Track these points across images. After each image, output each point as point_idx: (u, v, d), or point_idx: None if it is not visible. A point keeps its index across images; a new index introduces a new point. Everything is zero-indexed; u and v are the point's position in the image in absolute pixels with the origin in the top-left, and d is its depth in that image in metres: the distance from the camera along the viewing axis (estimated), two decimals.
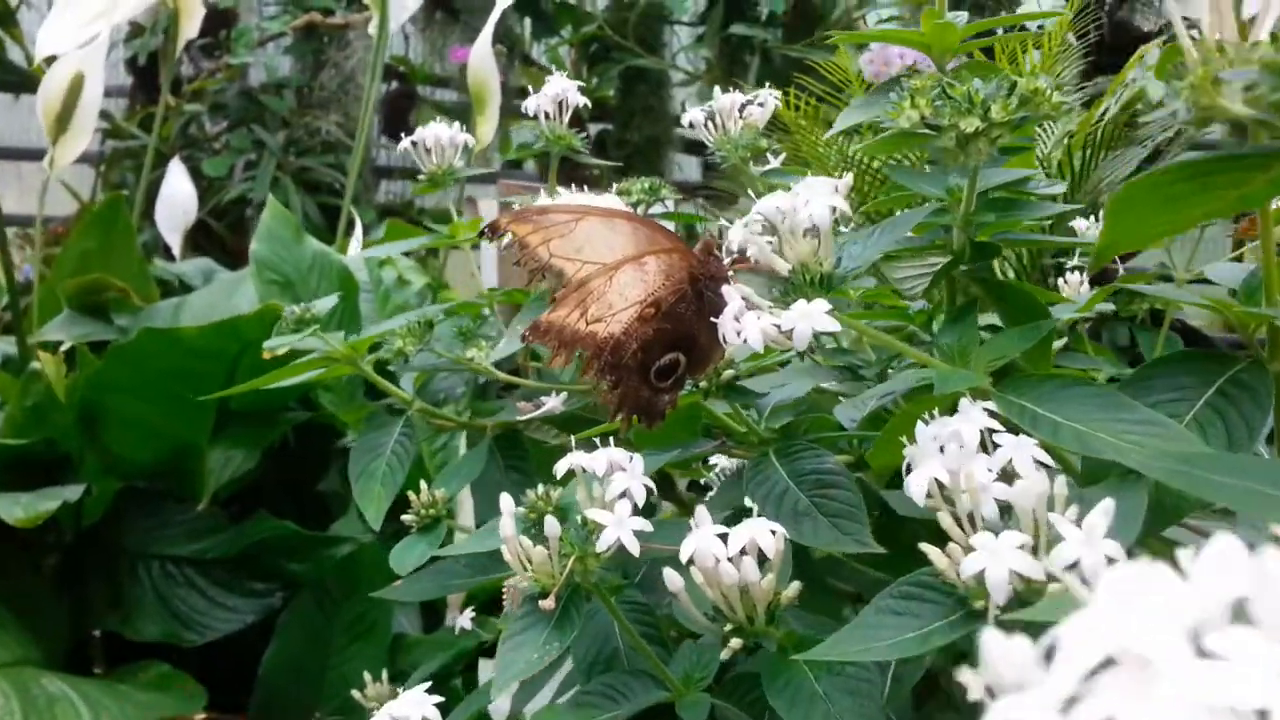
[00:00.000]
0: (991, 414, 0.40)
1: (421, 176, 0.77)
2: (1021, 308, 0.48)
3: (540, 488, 0.51)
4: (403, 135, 0.75)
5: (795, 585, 0.36)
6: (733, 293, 0.40)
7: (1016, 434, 0.38)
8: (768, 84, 0.69)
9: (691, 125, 0.73)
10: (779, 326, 0.38)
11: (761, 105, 0.73)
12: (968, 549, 0.32)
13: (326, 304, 0.66)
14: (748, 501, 0.52)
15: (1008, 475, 0.36)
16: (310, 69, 2.78)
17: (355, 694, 0.66)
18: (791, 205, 0.39)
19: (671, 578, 0.37)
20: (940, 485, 0.39)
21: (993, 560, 0.30)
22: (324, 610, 1.14)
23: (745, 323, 0.39)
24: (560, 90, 0.64)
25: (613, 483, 0.42)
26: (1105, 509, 0.31)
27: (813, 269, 0.40)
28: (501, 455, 0.69)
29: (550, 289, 0.43)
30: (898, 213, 0.44)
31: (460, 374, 0.71)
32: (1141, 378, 0.44)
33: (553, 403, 0.61)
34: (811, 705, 0.35)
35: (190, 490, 1.16)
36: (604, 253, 0.42)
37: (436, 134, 0.75)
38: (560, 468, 0.44)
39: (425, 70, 2.99)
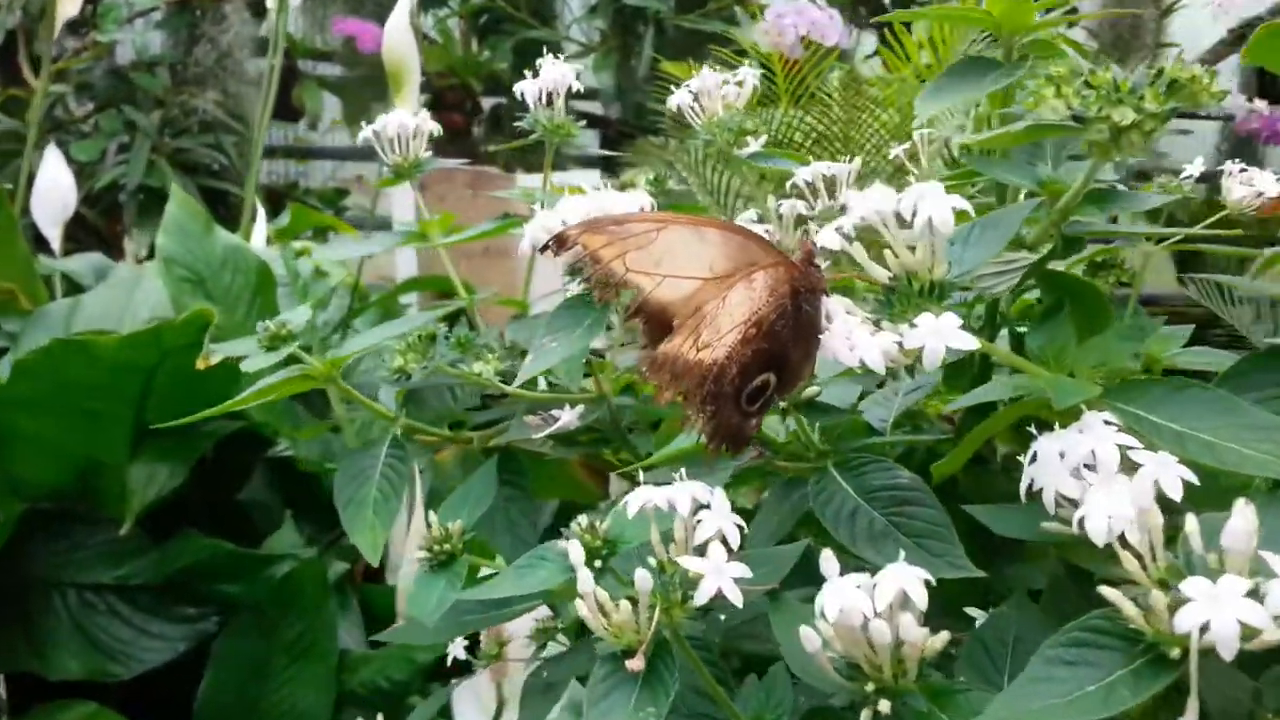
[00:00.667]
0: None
1: (386, 169, 0.71)
2: (1093, 306, 0.46)
3: (583, 519, 0.47)
4: (285, 112, 0.69)
5: (944, 636, 0.32)
6: (839, 308, 0.36)
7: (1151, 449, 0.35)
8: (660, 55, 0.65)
9: (678, 108, 0.69)
10: (900, 344, 0.35)
11: (740, 84, 0.69)
12: (1159, 592, 0.29)
13: (300, 317, 0.60)
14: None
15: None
16: (184, 45, 2.61)
17: None
18: (904, 207, 0.35)
19: (809, 637, 0.33)
20: (1065, 505, 0.36)
21: (1216, 611, 0.27)
22: (262, 632, 1.06)
23: (860, 342, 0.35)
24: (557, 77, 0.58)
25: (702, 524, 0.37)
26: None
27: (921, 276, 0.36)
28: (496, 471, 0.64)
29: (626, 306, 0.38)
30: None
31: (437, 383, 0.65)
32: (1239, 373, 0.42)
33: (568, 417, 0.56)
34: None
35: (106, 511, 1.06)
36: (689, 265, 0.37)
37: (400, 123, 0.69)
38: (631, 505, 0.40)
39: (306, 44, 2.84)
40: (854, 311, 0.36)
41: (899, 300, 0.36)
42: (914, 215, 0.35)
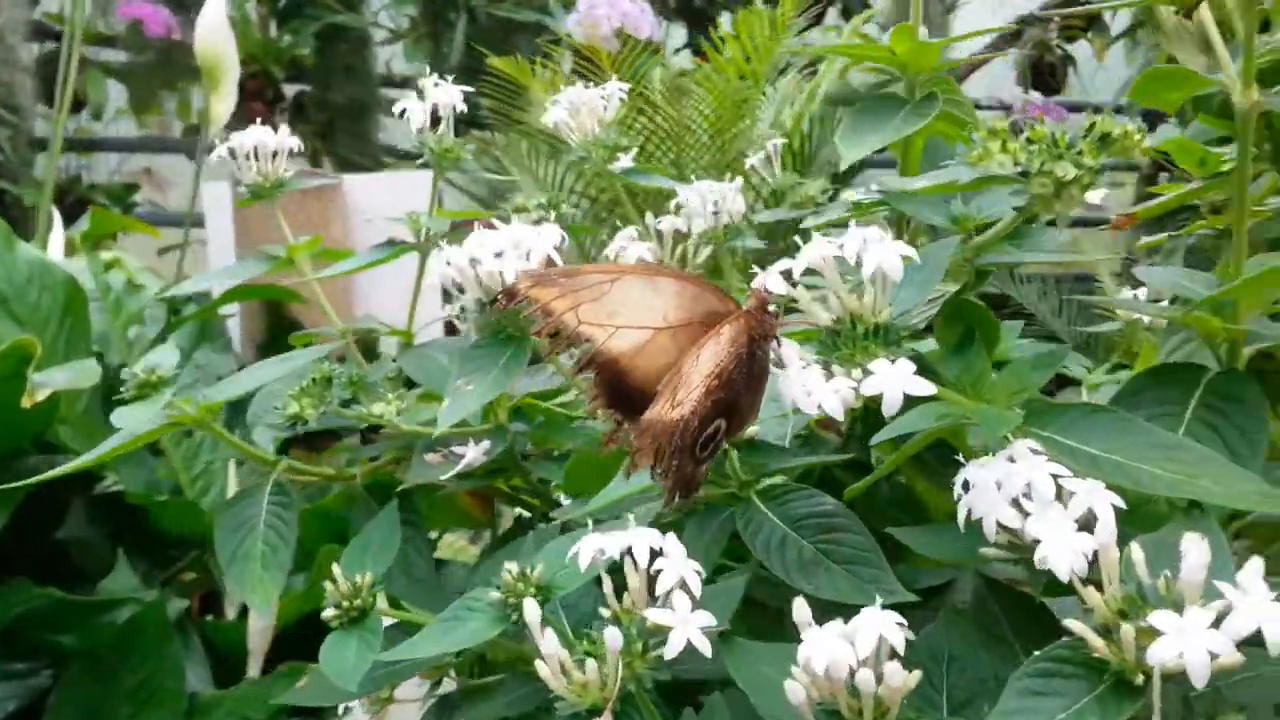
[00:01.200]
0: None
1: (242, 188, 0.66)
2: (992, 334, 0.48)
3: (514, 566, 0.46)
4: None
5: (917, 674, 0.33)
6: (793, 354, 0.37)
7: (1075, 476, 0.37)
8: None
9: (555, 125, 0.68)
10: (857, 390, 0.35)
11: (606, 100, 0.69)
12: (1119, 623, 0.31)
13: (168, 359, 0.55)
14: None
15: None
16: None
17: None
18: (849, 253, 0.36)
19: (794, 691, 0.33)
20: (1008, 531, 0.38)
21: (1187, 643, 0.29)
22: (101, 681, 0.99)
23: (818, 390, 0.35)
24: (446, 99, 0.56)
25: (663, 573, 0.37)
26: (1257, 567, 0.31)
27: (867, 319, 0.37)
28: (380, 507, 0.61)
29: (577, 359, 0.38)
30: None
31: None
32: (1131, 392, 0.45)
33: (473, 454, 0.54)
34: None
35: None
36: (643, 316, 0.37)
37: (260, 139, 0.65)
38: (582, 556, 0.39)
39: (89, 29, 2.63)
40: (804, 356, 0.37)
41: (844, 343, 0.37)
42: (860, 262, 0.36)
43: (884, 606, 0.35)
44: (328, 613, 0.50)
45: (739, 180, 0.65)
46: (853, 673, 0.32)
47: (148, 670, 0.98)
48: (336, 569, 0.51)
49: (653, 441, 0.35)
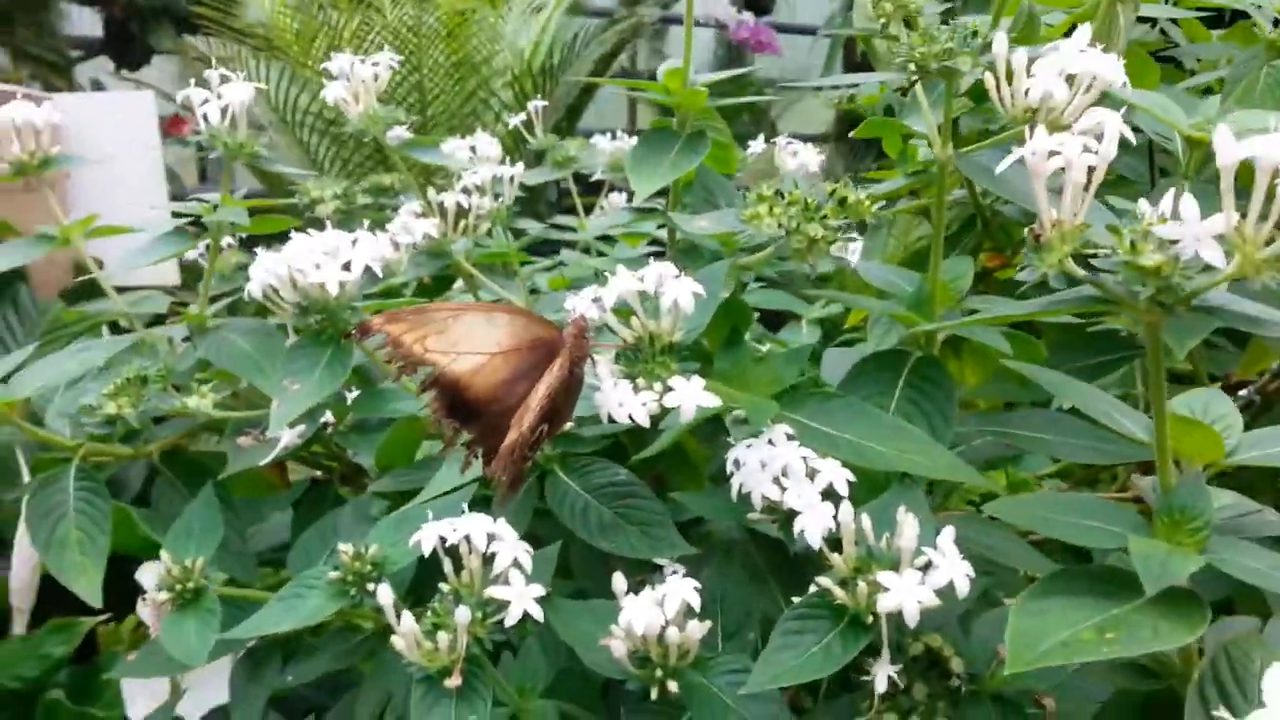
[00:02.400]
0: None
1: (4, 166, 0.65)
2: (747, 321, 0.58)
3: (349, 546, 0.51)
4: None
5: (707, 624, 0.43)
6: (607, 371, 0.44)
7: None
8: None
9: (334, 102, 0.71)
10: (660, 403, 0.44)
11: (377, 68, 0.73)
12: (855, 578, 0.42)
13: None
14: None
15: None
16: None
17: None
18: (650, 287, 0.44)
19: (616, 647, 0.42)
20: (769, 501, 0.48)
21: (906, 596, 0.39)
22: None
23: (628, 401, 0.43)
24: (241, 97, 0.58)
25: (499, 554, 0.44)
26: (949, 534, 0.42)
27: (661, 338, 0.45)
28: (185, 485, 0.64)
29: (422, 380, 0.43)
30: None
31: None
32: (853, 376, 0.56)
33: (289, 437, 0.58)
34: (725, 717, 0.43)
35: None
36: (480, 344, 0.43)
37: (25, 116, 0.64)
38: (426, 541, 0.45)
39: None
40: (614, 370, 0.44)
41: (645, 358, 0.45)
42: (660, 295, 0.44)
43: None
44: (162, 596, 0.54)
45: (519, 166, 0.70)
46: (663, 630, 0.41)
47: None
48: (165, 554, 0.55)
49: (509, 463, 0.42)
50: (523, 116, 0.95)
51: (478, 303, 0.44)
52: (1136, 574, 0.39)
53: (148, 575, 0.73)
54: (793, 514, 0.47)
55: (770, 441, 0.49)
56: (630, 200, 0.85)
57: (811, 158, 0.90)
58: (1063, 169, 0.36)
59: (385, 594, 0.45)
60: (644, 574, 0.58)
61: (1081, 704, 0.53)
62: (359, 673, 0.93)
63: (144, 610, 0.85)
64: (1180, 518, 0.38)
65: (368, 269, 0.51)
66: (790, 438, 0.49)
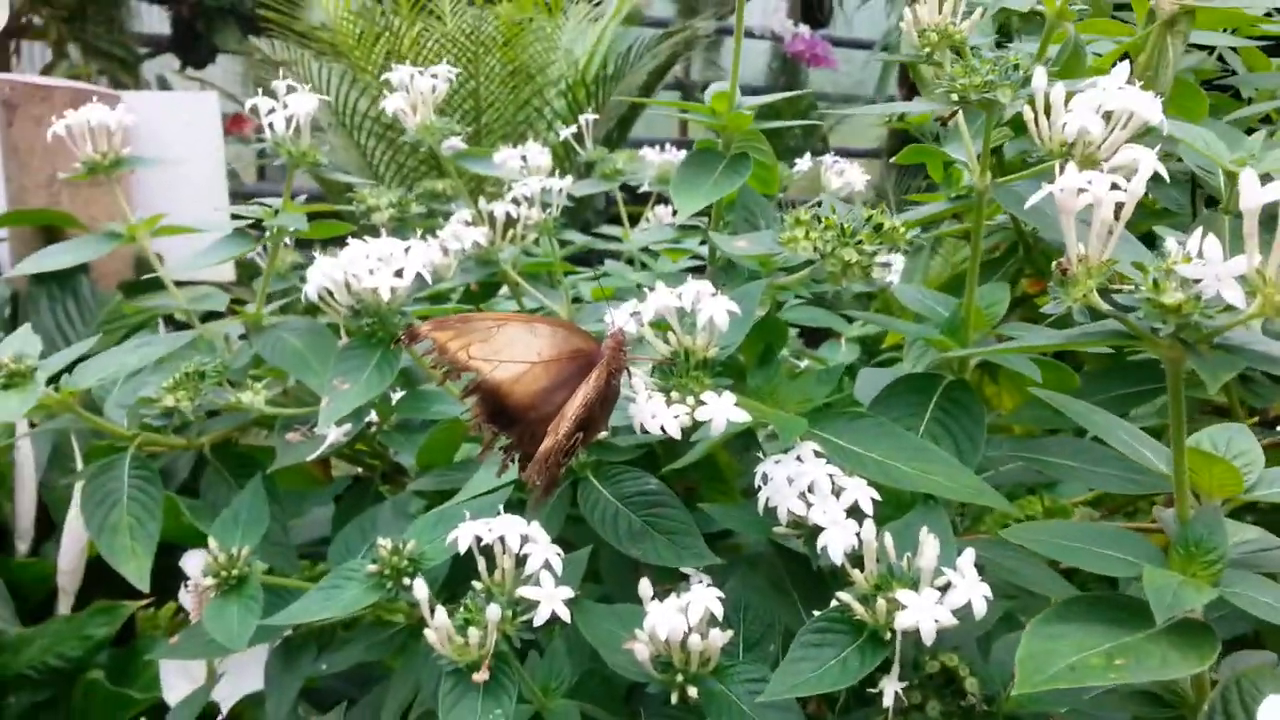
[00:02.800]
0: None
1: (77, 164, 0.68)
2: (782, 338, 0.59)
3: (387, 541, 0.53)
4: None
5: (728, 634, 0.44)
6: (641, 384, 0.46)
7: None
8: None
9: (392, 114, 0.73)
10: (692, 417, 0.45)
11: (435, 80, 0.75)
12: (874, 595, 0.43)
13: (31, 346, 0.58)
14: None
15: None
16: None
17: None
18: (687, 304, 0.46)
19: (640, 650, 0.44)
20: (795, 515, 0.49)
21: (923, 615, 0.41)
22: None
23: (661, 414, 0.45)
24: (306, 108, 0.60)
25: (532, 556, 0.46)
26: (969, 556, 0.43)
27: (696, 354, 0.47)
28: (234, 475, 0.67)
29: (465, 386, 0.45)
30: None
31: None
32: (885, 397, 0.57)
33: (335, 435, 0.61)
34: None
35: None
36: (522, 353, 0.45)
37: (100, 118, 0.67)
38: (461, 540, 0.47)
39: None
40: (649, 383, 0.46)
41: (679, 372, 0.47)
42: (696, 311, 0.46)
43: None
44: (207, 581, 0.56)
45: (569, 180, 0.72)
46: (686, 636, 0.43)
47: None
48: (212, 542, 0.57)
49: (545, 468, 0.44)
50: (574, 129, 0.97)
51: (520, 313, 0.46)
52: (1146, 604, 0.40)
53: (192, 562, 0.76)
54: (817, 529, 0.48)
55: (798, 458, 0.50)
56: (674, 215, 0.86)
57: (857, 177, 0.91)
58: (1091, 205, 0.37)
59: (420, 588, 0.47)
60: (671, 583, 0.59)
61: None
62: (387, 667, 0.95)
63: (186, 596, 0.88)
64: (1195, 550, 0.39)
65: (418, 275, 0.53)
66: (818, 455, 0.50)
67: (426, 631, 0.46)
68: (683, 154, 0.99)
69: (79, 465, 1.04)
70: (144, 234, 0.68)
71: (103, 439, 1.14)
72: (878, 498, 0.48)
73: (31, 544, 1.25)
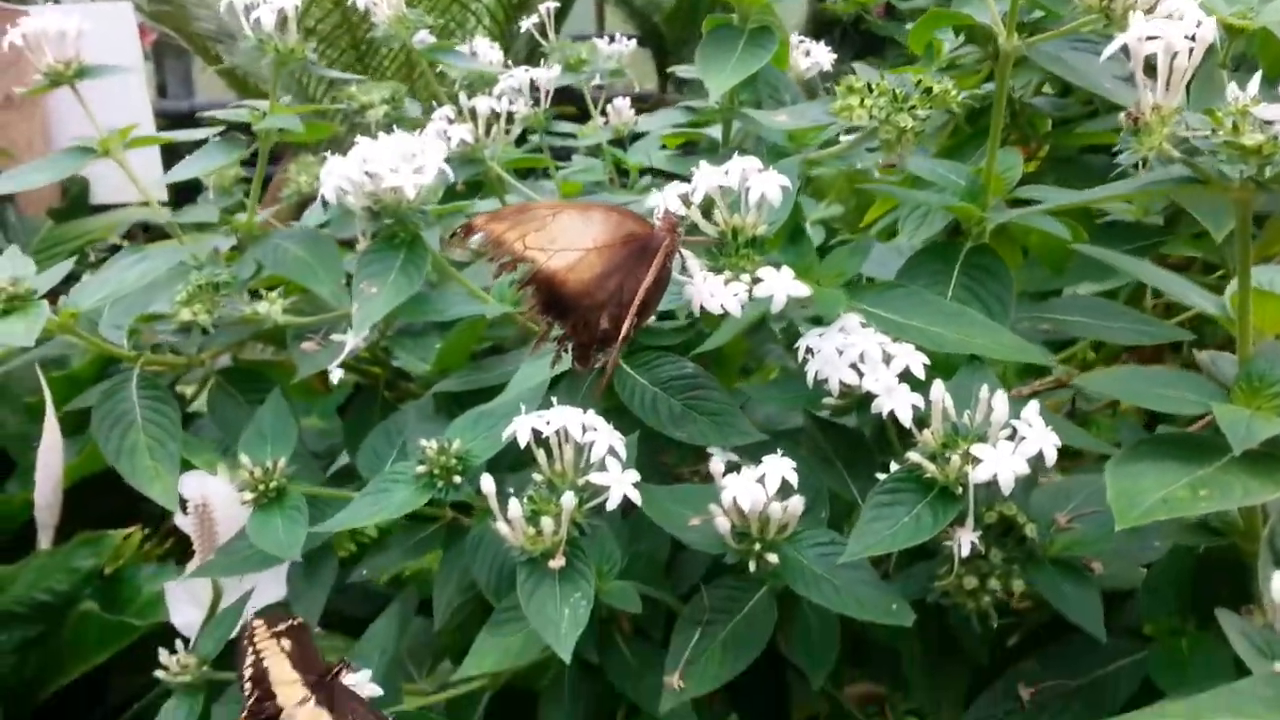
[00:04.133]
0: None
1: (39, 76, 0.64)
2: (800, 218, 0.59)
3: (433, 442, 0.53)
4: None
5: (803, 500, 0.45)
6: (696, 265, 0.46)
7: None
8: None
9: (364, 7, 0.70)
10: (750, 294, 0.45)
11: None
12: (944, 452, 0.44)
13: (27, 268, 0.55)
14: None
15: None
16: None
17: None
18: (734, 182, 0.45)
19: (721, 524, 0.44)
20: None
21: (1000, 466, 0.42)
22: None
23: (719, 293, 0.45)
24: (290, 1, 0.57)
25: (596, 443, 0.46)
26: (1035, 407, 0.44)
27: (744, 231, 0.46)
28: (241, 392, 0.65)
29: (520, 278, 0.44)
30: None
31: None
32: (910, 267, 0.58)
33: (354, 342, 0.59)
34: (818, 585, 0.46)
35: None
36: (576, 240, 0.44)
37: (59, 25, 0.62)
38: (521, 432, 0.47)
39: None
40: (704, 266, 0.46)
41: (729, 252, 0.46)
42: (746, 189, 0.45)
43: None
44: (246, 496, 0.55)
45: (556, 69, 0.70)
46: (766, 506, 0.43)
47: None
48: (244, 456, 0.56)
49: (619, 350, 0.44)
50: (535, 19, 0.94)
51: (574, 200, 0.45)
52: (1211, 440, 0.42)
53: (190, 486, 0.74)
54: (868, 397, 0.49)
55: (842, 330, 0.51)
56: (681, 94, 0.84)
57: (824, 56, 0.90)
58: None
59: (487, 483, 0.46)
60: (695, 464, 0.61)
61: (1127, 569, 0.56)
62: (392, 586, 0.96)
63: (184, 521, 0.86)
64: (1259, 384, 0.41)
65: (440, 172, 0.52)
66: (864, 325, 0.50)
67: (498, 524, 0.46)
68: (633, 43, 0.98)
69: (49, 405, 1.00)
70: (118, 146, 0.65)
71: (63, 369, 1.10)
72: (928, 362, 0.49)
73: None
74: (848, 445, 0.55)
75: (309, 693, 0.47)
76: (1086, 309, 0.61)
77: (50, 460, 1.01)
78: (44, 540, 1.04)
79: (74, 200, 1.45)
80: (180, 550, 1.34)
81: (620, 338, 0.44)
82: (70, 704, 1.16)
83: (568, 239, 0.44)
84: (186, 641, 0.62)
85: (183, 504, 0.85)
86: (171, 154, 0.79)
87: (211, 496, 0.78)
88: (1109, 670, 0.53)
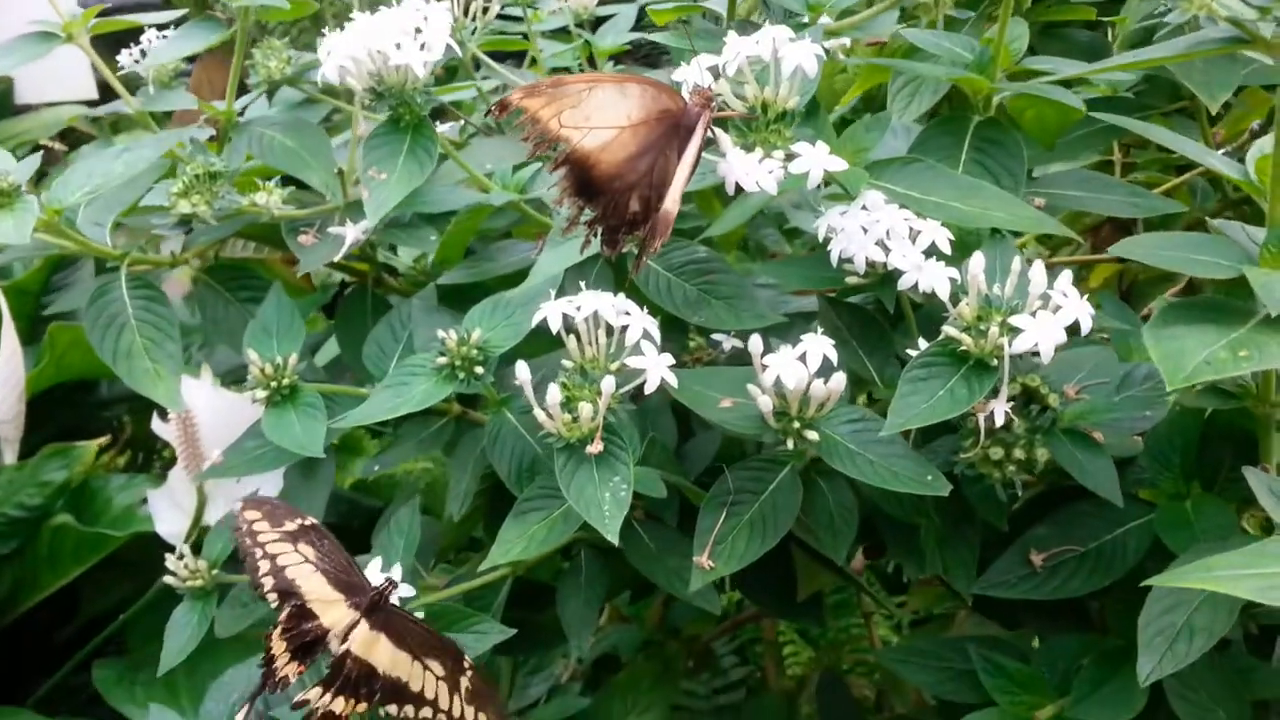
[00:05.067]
0: None
1: None
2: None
3: (452, 331, 0.52)
4: None
5: (843, 376, 0.45)
6: (728, 143, 0.45)
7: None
8: None
9: None
10: (786, 169, 0.44)
11: None
12: (979, 324, 0.44)
13: (14, 164, 0.52)
14: None
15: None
16: None
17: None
18: (765, 52, 0.44)
19: (764, 403, 0.44)
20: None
21: (1042, 336, 0.42)
22: None
23: (753, 170, 0.44)
24: None
25: (631, 327, 0.45)
26: (1067, 277, 0.45)
27: (774, 106, 0.45)
28: (230, 292, 0.63)
29: (553, 158, 0.43)
30: None
31: None
32: (923, 141, 0.57)
33: (354, 234, 0.57)
34: (854, 460, 0.47)
35: None
36: (611, 118, 0.43)
37: None
38: (552, 318, 0.46)
39: None
40: (737, 142, 0.45)
41: (757, 127, 0.46)
42: (779, 60, 0.44)
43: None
44: (258, 394, 0.53)
45: None
46: (809, 384, 0.43)
47: None
48: (253, 353, 0.54)
49: (660, 237, 0.43)
50: None
51: (611, 74, 0.44)
52: (1240, 304, 0.43)
53: (193, 389, 0.72)
54: (893, 275, 0.49)
55: (864, 207, 0.50)
56: None
57: None
58: None
59: (523, 370, 0.46)
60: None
61: (1124, 439, 0.58)
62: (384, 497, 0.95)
63: (163, 428, 0.84)
64: None
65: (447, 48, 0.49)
66: (887, 202, 0.50)
67: (536, 411, 0.45)
68: None
69: (4, 311, 0.96)
70: (81, 30, 0.61)
71: (9, 279, 1.06)
72: (952, 238, 0.49)
73: None
74: (862, 325, 0.56)
75: (357, 614, 0.46)
76: (1080, 182, 0.62)
77: (10, 373, 0.98)
78: (8, 455, 1.02)
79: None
80: (141, 461, 1.31)
81: (664, 217, 0.43)
82: (42, 620, 1.14)
83: (602, 116, 0.43)
84: (171, 549, 0.61)
85: (161, 412, 0.83)
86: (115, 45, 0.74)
87: (194, 401, 0.76)
88: (1117, 534, 0.55)
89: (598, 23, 0.89)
